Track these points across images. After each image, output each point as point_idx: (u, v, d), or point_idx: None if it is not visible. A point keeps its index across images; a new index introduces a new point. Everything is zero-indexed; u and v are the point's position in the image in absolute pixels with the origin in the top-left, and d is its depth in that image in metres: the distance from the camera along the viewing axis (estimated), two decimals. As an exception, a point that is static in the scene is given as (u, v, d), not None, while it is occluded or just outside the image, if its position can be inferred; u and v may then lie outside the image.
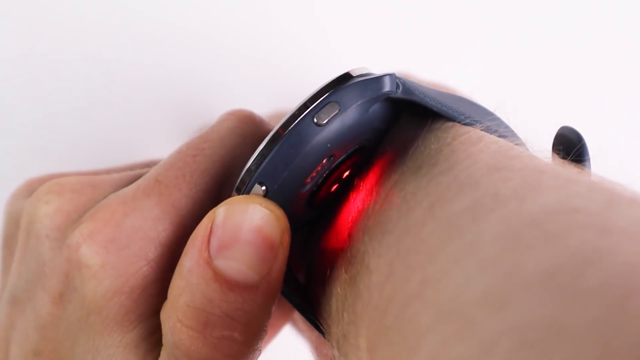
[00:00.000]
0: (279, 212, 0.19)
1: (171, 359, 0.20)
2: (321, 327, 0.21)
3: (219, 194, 0.21)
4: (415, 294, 0.15)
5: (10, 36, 0.38)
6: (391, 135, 0.21)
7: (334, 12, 0.44)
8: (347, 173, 0.21)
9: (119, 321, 0.20)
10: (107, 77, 0.39)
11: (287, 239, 0.20)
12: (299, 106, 0.19)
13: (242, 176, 0.20)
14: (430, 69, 0.41)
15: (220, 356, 0.19)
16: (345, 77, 0.19)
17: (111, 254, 0.20)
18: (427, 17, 0.46)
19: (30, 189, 0.23)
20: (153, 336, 0.21)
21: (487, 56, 0.47)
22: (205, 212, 0.20)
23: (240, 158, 0.22)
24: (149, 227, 0.20)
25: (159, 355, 0.20)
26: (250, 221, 0.19)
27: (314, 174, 0.20)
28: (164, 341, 0.20)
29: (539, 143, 0.20)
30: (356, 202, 0.21)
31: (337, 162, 0.20)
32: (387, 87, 0.19)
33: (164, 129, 0.41)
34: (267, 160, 0.19)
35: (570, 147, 0.20)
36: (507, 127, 0.21)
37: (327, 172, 0.21)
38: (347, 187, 0.22)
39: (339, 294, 0.20)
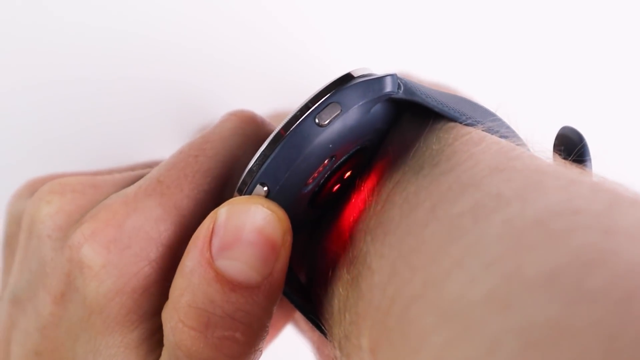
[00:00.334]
0: (280, 212, 0.19)
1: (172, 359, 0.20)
2: (323, 328, 0.21)
3: (221, 194, 0.21)
4: (418, 295, 0.15)
5: (12, 37, 0.38)
6: (392, 135, 0.21)
7: (335, 13, 0.44)
8: (348, 173, 0.21)
9: (120, 321, 0.20)
10: (108, 78, 0.39)
11: (288, 239, 0.20)
12: (300, 107, 0.19)
13: (244, 177, 0.20)
14: (431, 69, 0.41)
15: (222, 357, 0.19)
16: (347, 78, 0.19)
17: (113, 254, 0.20)
18: (429, 17, 0.46)
19: (32, 189, 0.23)
20: (154, 336, 0.21)
21: (488, 56, 0.47)
22: (207, 213, 0.20)
23: (242, 158, 0.22)
24: (150, 227, 0.20)
25: (160, 355, 0.20)
26: (252, 222, 0.19)
27: (316, 175, 0.20)
28: (165, 341, 0.20)
29: (540, 143, 0.20)
30: (358, 202, 0.21)
31: (339, 162, 0.20)
32: (388, 87, 0.19)
33: (165, 130, 0.41)
34: (268, 160, 0.19)
35: (571, 147, 0.20)
36: (508, 127, 0.21)
37: (328, 173, 0.21)
38: (349, 187, 0.22)
39: (340, 294, 0.20)
